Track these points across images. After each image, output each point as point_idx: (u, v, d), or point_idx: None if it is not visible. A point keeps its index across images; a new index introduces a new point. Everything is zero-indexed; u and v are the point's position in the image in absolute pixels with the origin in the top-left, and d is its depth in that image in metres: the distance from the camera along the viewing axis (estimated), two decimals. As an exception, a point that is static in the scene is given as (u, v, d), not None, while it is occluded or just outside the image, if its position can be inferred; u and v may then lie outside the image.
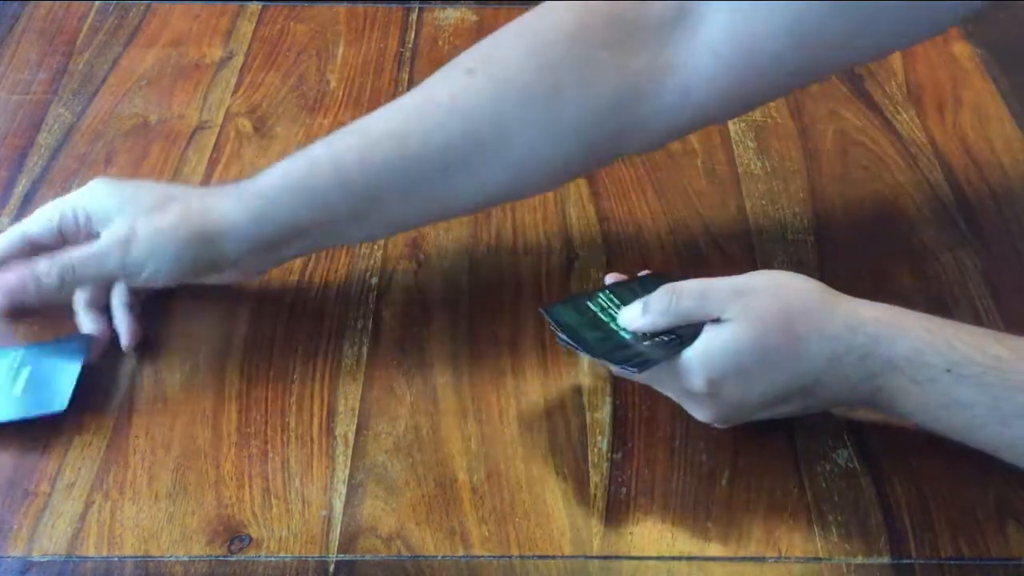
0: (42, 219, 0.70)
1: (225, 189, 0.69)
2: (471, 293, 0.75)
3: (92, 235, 0.68)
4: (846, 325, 0.60)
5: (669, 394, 0.64)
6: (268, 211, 0.68)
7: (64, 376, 0.68)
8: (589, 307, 0.65)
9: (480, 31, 0.98)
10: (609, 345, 0.63)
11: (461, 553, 0.61)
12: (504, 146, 0.68)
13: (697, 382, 0.60)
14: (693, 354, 0.60)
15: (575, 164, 0.72)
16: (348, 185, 0.67)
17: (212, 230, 0.67)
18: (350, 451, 0.66)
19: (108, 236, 0.67)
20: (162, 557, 0.61)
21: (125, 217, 0.67)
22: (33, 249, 0.69)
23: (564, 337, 0.64)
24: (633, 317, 0.63)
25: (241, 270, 0.72)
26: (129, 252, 0.67)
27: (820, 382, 0.60)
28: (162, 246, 0.67)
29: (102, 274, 0.68)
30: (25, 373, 0.69)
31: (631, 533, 0.61)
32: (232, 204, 0.68)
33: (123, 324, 0.70)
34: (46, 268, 0.67)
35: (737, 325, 0.60)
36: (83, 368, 0.68)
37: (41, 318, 0.73)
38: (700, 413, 0.64)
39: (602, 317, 0.65)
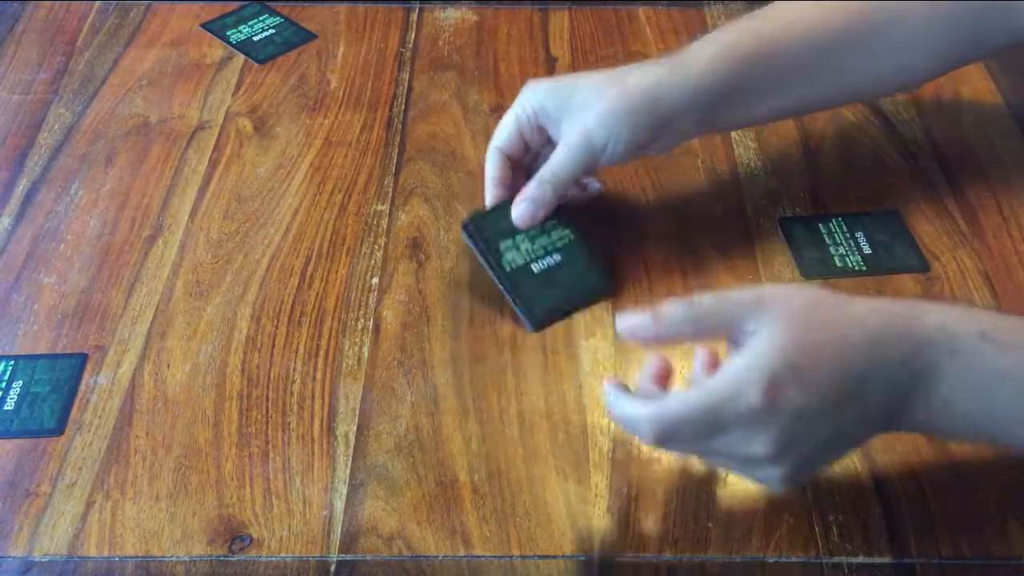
0: (504, 131, 0.75)
1: (649, 65, 0.73)
2: (471, 293, 0.75)
3: (543, 130, 0.74)
4: (870, 307, 0.57)
5: (725, 443, 0.55)
6: (695, 75, 0.71)
7: (58, 396, 0.68)
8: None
9: (480, 31, 0.98)
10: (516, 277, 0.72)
11: (462, 553, 0.61)
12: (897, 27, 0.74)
13: (754, 394, 0.53)
14: (740, 368, 0.54)
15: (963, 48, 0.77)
16: (763, 58, 0.72)
17: (651, 98, 0.71)
18: (351, 451, 0.66)
19: (568, 138, 0.72)
20: (163, 557, 0.61)
21: (572, 116, 0.72)
22: (510, 159, 0.76)
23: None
24: (640, 325, 0.57)
25: (678, 134, 0.74)
26: (591, 143, 0.71)
27: (868, 370, 0.55)
28: (616, 127, 0.71)
29: (578, 170, 0.73)
30: (17, 387, 0.69)
31: (632, 533, 0.61)
32: (664, 71, 0.72)
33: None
34: (537, 189, 0.73)
35: (770, 329, 0.55)
36: (76, 387, 0.69)
37: (41, 321, 0.73)
38: (759, 444, 0.54)
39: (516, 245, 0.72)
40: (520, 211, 0.73)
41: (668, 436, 0.55)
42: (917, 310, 0.57)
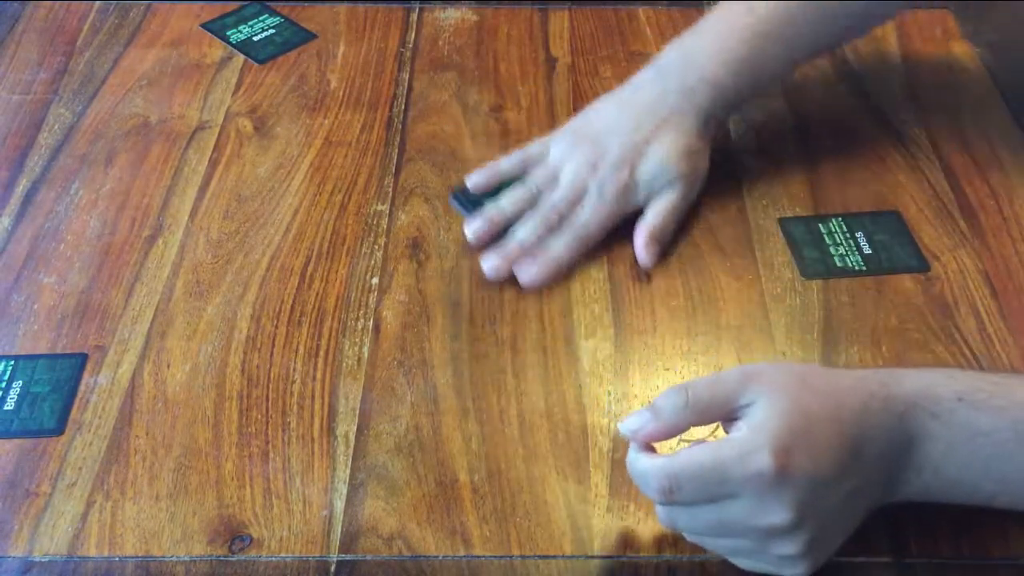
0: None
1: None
2: (471, 293, 0.75)
3: None
4: (854, 376, 0.58)
5: (722, 509, 0.55)
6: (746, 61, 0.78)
7: (58, 396, 0.68)
8: None
9: (480, 31, 0.98)
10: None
11: (462, 553, 0.61)
12: None
13: (762, 461, 0.53)
14: (746, 435, 0.54)
15: None
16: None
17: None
18: (351, 451, 0.66)
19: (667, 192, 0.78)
20: (163, 557, 0.61)
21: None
22: None
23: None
24: (641, 423, 0.57)
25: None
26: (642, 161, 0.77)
27: (864, 435, 0.55)
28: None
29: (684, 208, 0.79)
30: (17, 387, 0.69)
31: (632, 533, 0.61)
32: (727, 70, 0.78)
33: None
34: (660, 231, 0.78)
35: (768, 398, 0.55)
36: (76, 387, 0.69)
37: (41, 321, 0.73)
38: (774, 513, 0.54)
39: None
40: (650, 255, 0.76)
41: (673, 487, 0.55)
42: (895, 376, 0.58)
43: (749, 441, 0.54)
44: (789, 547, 0.55)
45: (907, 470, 0.57)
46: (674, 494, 0.55)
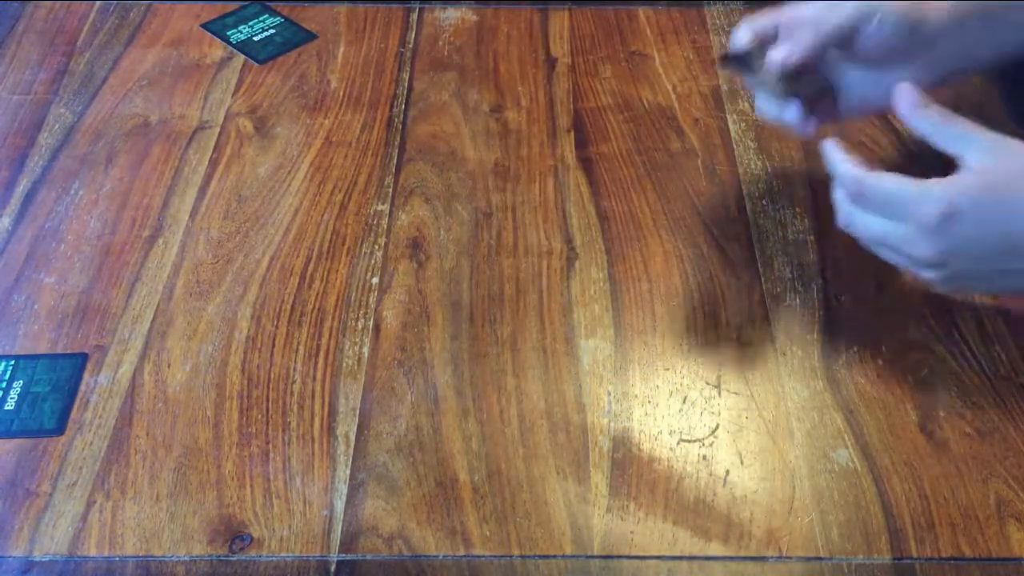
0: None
1: None
2: (471, 293, 0.75)
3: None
4: None
5: (891, 229, 0.63)
6: None
7: (58, 396, 0.68)
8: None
9: (480, 31, 0.98)
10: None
11: (462, 553, 0.61)
12: None
13: (932, 210, 0.61)
14: (936, 183, 0.61)
15: None
16: None
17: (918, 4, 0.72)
18: (351, 451, 0.66)
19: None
20: (163, 557, 0.61)
21: None
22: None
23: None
24: (912, 102, 0.65)
25: (929, 61, 0.73)
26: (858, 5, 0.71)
27: None
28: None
29: (842, 27, 0.70)
30: (17, 387, 0.69)
31: (632, 533, 0.61)
32: None
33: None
34: (797, 31, 0.71)
35: (984, 173, 0.61)
36: (76, 387, 0.69)
37: (41, 321, 0.73)
38: (924, 249, 0.62)
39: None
40: (778, 50, 0.70)
41: (856, 197, 0.64)
42: None
43: (931, 192, 0.61)
44: (930, 275, 0.63)
45: None
46: (857, 200, 0.64)
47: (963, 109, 0.88)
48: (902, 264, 0.65)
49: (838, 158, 0.65)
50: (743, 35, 0.72)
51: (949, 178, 0.61)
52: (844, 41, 0.70)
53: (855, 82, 0.73)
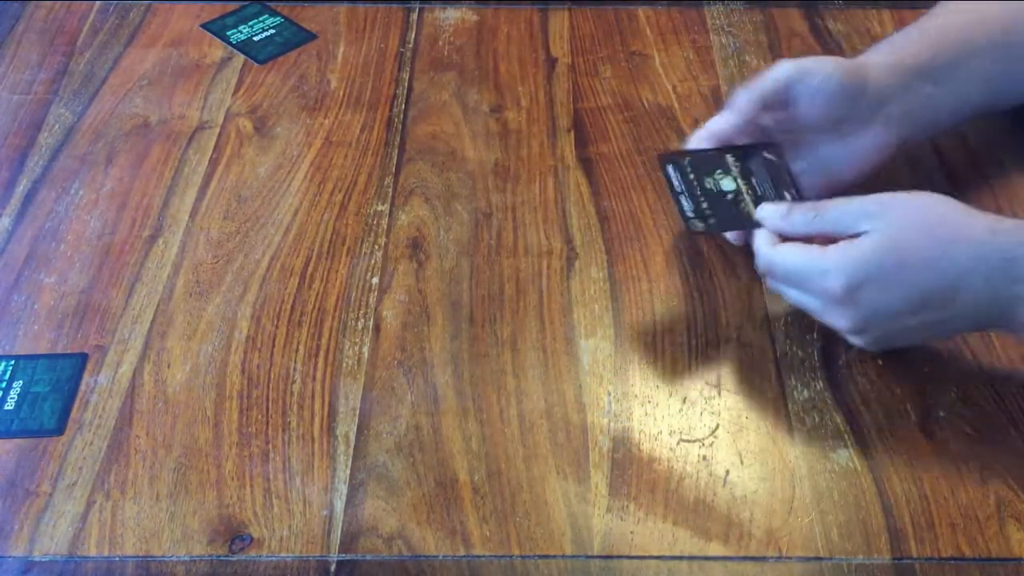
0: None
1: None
2: (471, 293, 0.75)
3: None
4: (988, 228, 0.62)
5: (806, 301, 0.66)
6: (896, 44, 0.77)
7: (58, 396, 0.68)
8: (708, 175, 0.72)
9: (480, 31, 0.98)
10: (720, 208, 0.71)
11: (462, 553, 0.61)
12: None
13: (835, 285, 0.62)
14: (834, 257, 0.62)
15: None
16: (949, 28, 0.77)
17: (859, 64, 0.74)
18: (351, 451, 0.66)
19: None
20: (163, 557, 0.61)
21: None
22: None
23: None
24: (772, 216, 0.67)
25: (883, 123, 0.74)
26: (800, 66, 0.72)
27: (963, 286, 0.62)
28: (827, 64, 0.72)
29: (776, 85, 0.72)
30: (17, 387, 0.69)
31: (632, 533, 0.61)
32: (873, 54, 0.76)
33: None
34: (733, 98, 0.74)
35: (878, 234, 0.62)
36: (76, 387, 0.69)
37: (41, 321, 0.73)
38: (839, 320, 0.65)
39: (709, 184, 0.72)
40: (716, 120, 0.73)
41: (768, 271, 0.67)
42: None
43: (835, 261, 0.63)
44: (854, 340, 0.67)
45: (1005, 318, 0.63)
46: (769, 276, 0.68)
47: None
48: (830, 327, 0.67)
49: (758, 235, 0.68)
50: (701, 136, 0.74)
51: (846, 248, 0.63)
52: (780, 102, 0.71)
53: (820, 157, 0.74)
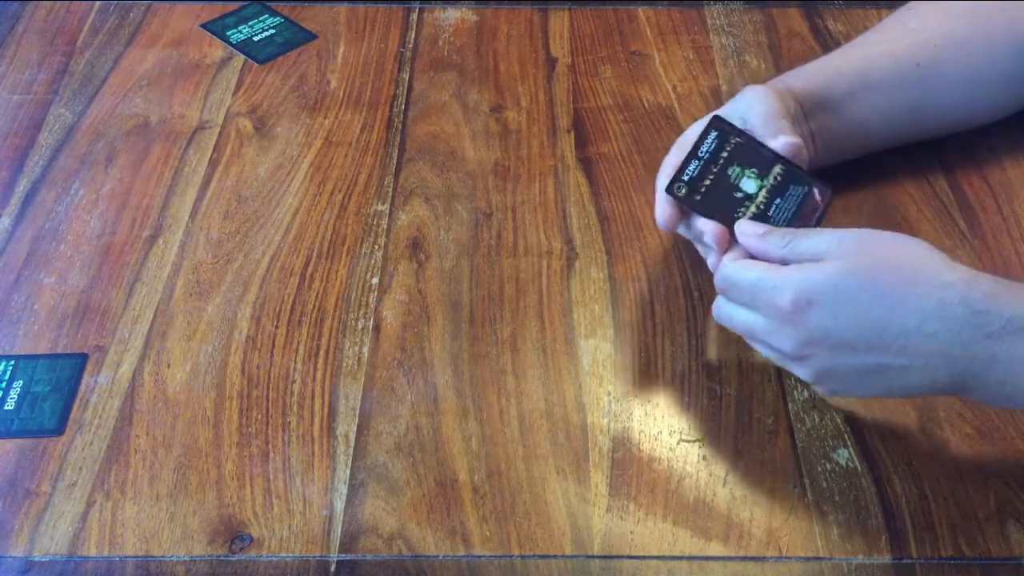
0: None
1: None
2: (471, 293, 0.75)
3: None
4: (962, 279, 0.58)
5: (753, 322, 0.63)
6: (807, 72, 0.78)
7: (58, 396, 0.68)
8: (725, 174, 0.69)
9: (480, 31, 0.98)
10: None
11: (462, 553, 0.61)
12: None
13: (783, 299, 0.59)
14: (789, 273, 0.60)
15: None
16: (853, 59, 0.78)
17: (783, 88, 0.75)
18: (351, 451, 0.66)
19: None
20: (163, 557, 0.61)
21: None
22: None
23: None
24: (750, 234, 0.64)
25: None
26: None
27: (922, 332, 0.57)
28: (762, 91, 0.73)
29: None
30: (17, 387, 0.69)
31: (632, 533, 0.61)
32: (783, 77, 0.77)
33: None
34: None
35: (842, 260, 0.59)
36: (76, 387, 0.69)
37: (41, 321, 0.73)
38: (783, 341, 0.61)
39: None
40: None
41: (724, 287, 0.65)
42: (1016, 291, 0.58)
43: (788, 276, 0.60)
44: (796, 371, 0.63)
45: (965, 382, 0.59)
46: (724, 291, 0.65)
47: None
48: (774, 360, 0.64)
49: (725, 255, 0.66)
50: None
51: (804, 267, 0.60)
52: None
53: None
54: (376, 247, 0.78)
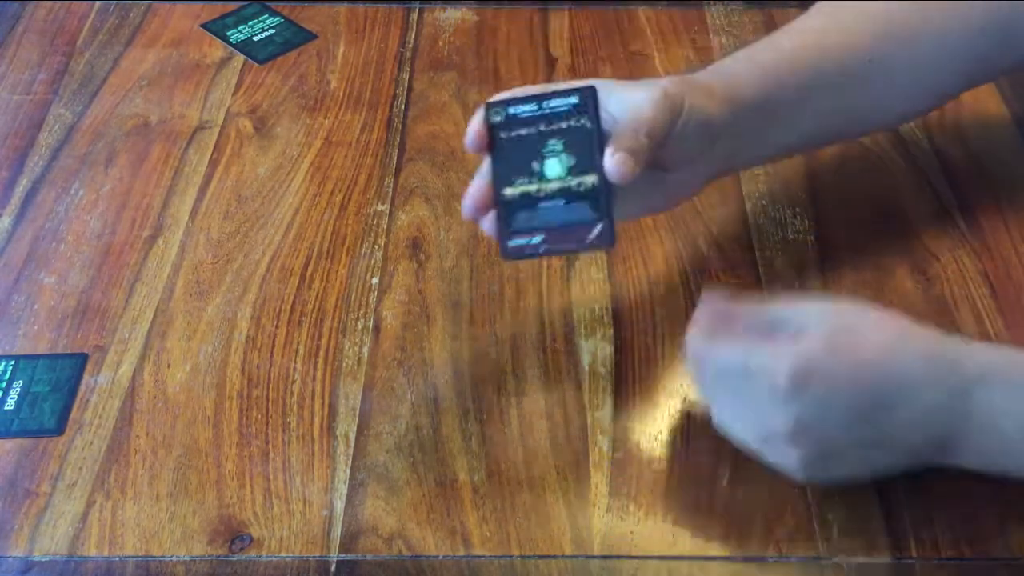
0: None
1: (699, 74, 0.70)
2: (471, 293, 0.75)
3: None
4: (936, 336, 0.60)
5: (741, 407, 0.60)
6: (735, 74, 0.69)
7: (58, 396, 0.68)
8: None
9: (480, 31, 0.98)
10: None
11: (462, 553, 0.61)
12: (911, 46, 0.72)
13: (781, 376, 0.56)
14: (782, 346, 0.57)
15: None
16: (792, 60, 0.70)
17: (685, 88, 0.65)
18: (351, 451, 0.66)
19: (643, 95, 0.64)
20: (163, 557, 0.61)
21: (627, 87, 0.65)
22: None
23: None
24: (717, 310, 0.61)
25: (709, 159, 0.67)
26: (672, 102, 0.63)
27: (913, 389, 0.57)
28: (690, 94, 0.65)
29: (665, 126, 0.63)
30: (17, 387, 0.69)
31: (632, 533, 0.61)
32: (704, 75, 0.69)
33: None
34: (633, 139, 0.62)
35: (824, 327, 0.58)
36: (76, 387, 0.69)
37: (41, 321, 0.73)
38: (778, 421, 0.57)
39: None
40: (619, 165, 0.60)
41: (699, 368, 0.61)
42: (984, 345, 0.61)
43: (782, 350, 0.57)
44: (790, 454, 0.58)
45: (951, 442, 0.58)
46: (699, 377, 0.62)
47: (962, 107, 0.89)
48: (764, 454, 0.60)
49: (692, 327, 0.61)
50: None
51: (794, 338, 0.57)
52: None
53: (633, 190, 0.63)
54: (376, 247, 0.78)
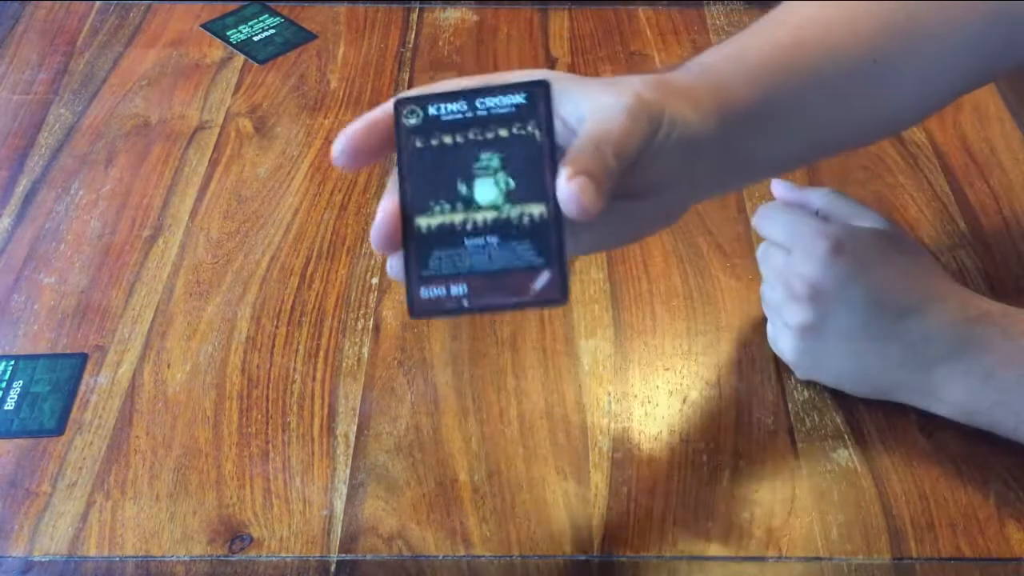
0: None
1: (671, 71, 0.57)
2: (471, 293, 0.75)
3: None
4: (957, 291, 0.64)
5: (782, 263, 0.65)
6: (717, 80, 0.55)
7: (58, 396, 0.68)
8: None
9: (480, 31, 0.98)
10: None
11: (462, 553, 0.61)
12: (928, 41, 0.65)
13: (823, 241, 0.62)
14: (834, 225, 0.64)
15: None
16: (777, 65, 0.58)
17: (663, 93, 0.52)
18: (351, 451, 0.66)
19: (619, 102, 0.49)
20: (163, 557, 0.61)
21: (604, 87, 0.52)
22: None
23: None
24: (782, 192, 0.72)
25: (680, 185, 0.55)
26: (650, 113, 0.50)
27: (936, 303, 0.62)
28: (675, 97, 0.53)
29: (640, 144, 0.49)
30: (17, 387, 0.69)
31: (632, 533, 0.61)
32: (685, 75, 0.56)
33: None
34: (595, 161, 0.47)
35: (878, 228, 0.65)
36: (76, 387, 0.69)
37: (41, 321, 0.73)
38: (802, 274, 0.63)
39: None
40: (577, 193, 0.44)
41: (763, 220, 0.68)
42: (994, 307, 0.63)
43: (833, 228, 0.63)
44: (794, 316, 0.64)
45: (956, 369, 0.62)
46: (763, 226, 0.68)
47: (963, 107, 0.89)
48: (774, 302, 0.67)
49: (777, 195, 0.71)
50: None
51: (848, 227, 0.65)
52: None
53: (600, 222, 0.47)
54: (376, 247, 0.78)
